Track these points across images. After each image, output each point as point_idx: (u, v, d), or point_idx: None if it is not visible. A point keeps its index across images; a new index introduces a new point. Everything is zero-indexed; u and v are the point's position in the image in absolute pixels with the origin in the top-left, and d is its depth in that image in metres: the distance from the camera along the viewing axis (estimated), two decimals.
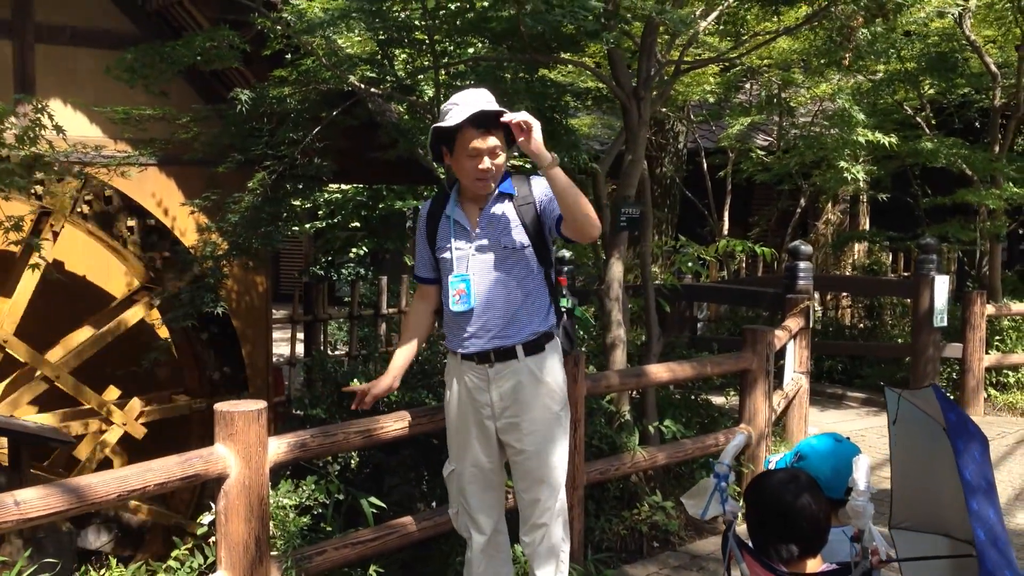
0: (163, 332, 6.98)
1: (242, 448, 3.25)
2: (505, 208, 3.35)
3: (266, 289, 7.80)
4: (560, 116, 4.43)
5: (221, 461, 3.23)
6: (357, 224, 9.53)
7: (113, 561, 3.87)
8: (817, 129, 9.49)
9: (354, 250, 10.24)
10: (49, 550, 5.32)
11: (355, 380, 4.31)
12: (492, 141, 3.25)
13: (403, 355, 3.61)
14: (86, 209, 6.09)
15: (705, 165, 12.28)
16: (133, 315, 6.52)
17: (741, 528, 2.74)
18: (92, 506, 2.96)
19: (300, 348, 8.76)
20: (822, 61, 8.27)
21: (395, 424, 3.82)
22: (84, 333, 6.46)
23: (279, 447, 3.42)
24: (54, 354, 6.23)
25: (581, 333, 5.88)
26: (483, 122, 3.22)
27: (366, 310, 8.92)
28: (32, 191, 5.61)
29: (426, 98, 5.40)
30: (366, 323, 8.94)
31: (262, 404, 3.33)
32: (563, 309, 3.56)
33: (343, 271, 10.55)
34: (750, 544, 2.60)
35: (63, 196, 5.93)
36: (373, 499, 4.11)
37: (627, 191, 5.21)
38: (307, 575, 3.55)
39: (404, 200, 9.70)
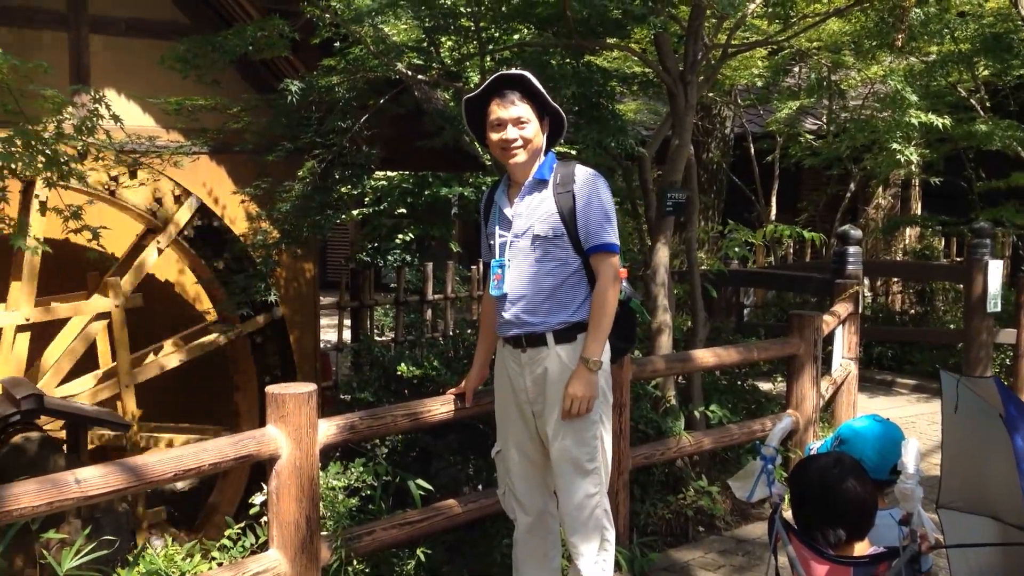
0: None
1: (293, 430, 3.32)
2: (541, 195, 3.35)
3: (314, 276, 7.91)
4: (607, 101, 4.43)
5: (273, 442, 3.30)
6: (403, 211, 9.59)
7: (169, 539, 3.96)
8: (868, 112, 9.32)
9: (400, 237, 10.30)
10: (106, 529, 5.46)
11: (402, 364, 4.36)
12: (515, 111, 3.29)
13: (484, 344, 3.70)
14: (191, 232, 6.25)
15: (752, 150, 12.14)
16: (210, 341, 6.63)
17: (788, 512, 2.74)
18: (149, 484, 3.05)
19: (347, 334, 8.85)
20: (873, 43, 8.12)
21: (441, 408, 3.86)
22: (163, 351, 6.65)
23: (328, 429, 3.48)
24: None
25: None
26: (505, 93, 3.27)
27: (412, 296, 8.98)
28: (105, 186, 5.79)
29: (472, 84, 5.42)
30: (412, 309, 9.01)
31: (312, 387, 3.40)
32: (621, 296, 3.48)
33: (389, 258, 10.64)
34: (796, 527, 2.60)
35: (175, 217, 6.13)
36: (420, 481, 4.16)
37: (673, 176, 5.20)
38: (356, 554, 3.62)
39: (450, 187, 9.74)
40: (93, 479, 2.88)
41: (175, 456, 3.10)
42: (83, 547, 3.71)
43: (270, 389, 3.36)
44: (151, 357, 6.61)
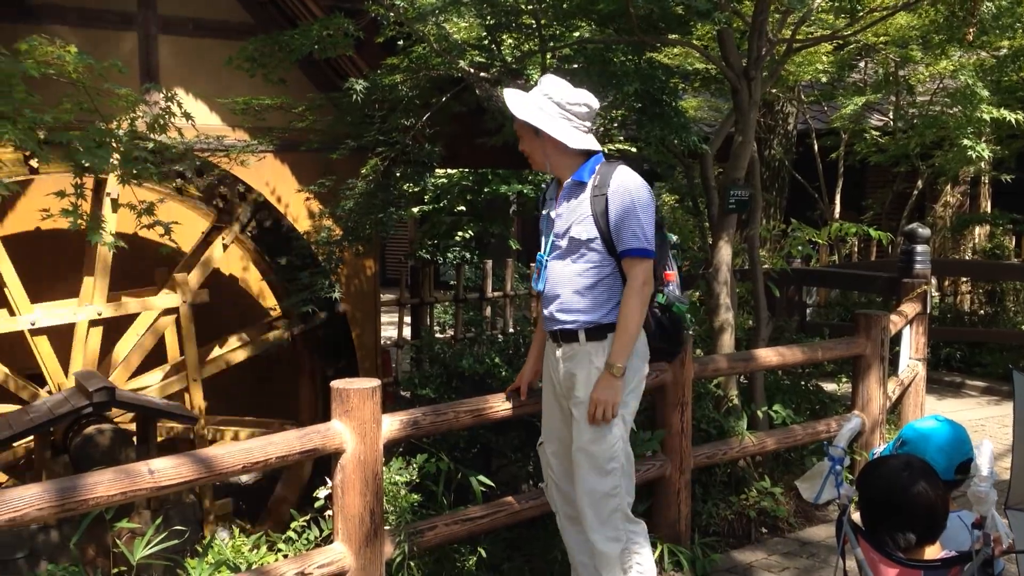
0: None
1: (357, 424, 3.36)
2: (578, 197, 3.37)
3: (375, 273, 7.98)
4: (669, 98, 4.40)
5: (338, 436, 3.34)
6: (462, 208, 9.64)
7: (236, 530, 4.04)
8: (937, 108, 9.11)
9: (459, 234, 10.36)
10: (175, 520, 5.58)
11: (463, 361, 4.38)
12: (517, 125, 3.44)
13: (537, 339, 3.76)
14: (254, 229, 6.36)
15: (816, 147, 11.95)
16: (274, 336, 6.72)
17: (856, 514, 2.69)
18: (218, 476, 3.11)
19: (407, 331, 8.92)
20: (942, 37, 7.93)
21: (502, 404, 3.88)
22: (228, 345, 6.76)
23: (392, 424, 3.52)
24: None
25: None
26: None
27: (471, 294, 9.02)
28: (175, 183, 5.93)
29: (533, 81, 5.42)
30: (471, 306, 9.05)
31: (376, 382, 3.43)
32: (661, 301, 3.47)
33: (448, 255, 10.70)
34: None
35: (240, 213, 6.25)
36: (482, 477, 4.18)
37: (736, 173, 5.14)
38: (419, 549, 3.64)
39: (509, 184, 9.75)
40: (165, 470, 2.94)
41: (244, 449, 3.16)
42: (153, 537, 3.80)
43: (335, 384, 3.40)
44: (216, 352, 6.73)
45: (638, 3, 4.08)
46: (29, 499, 2.66)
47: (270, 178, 7.27)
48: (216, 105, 6.94)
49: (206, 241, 6.49)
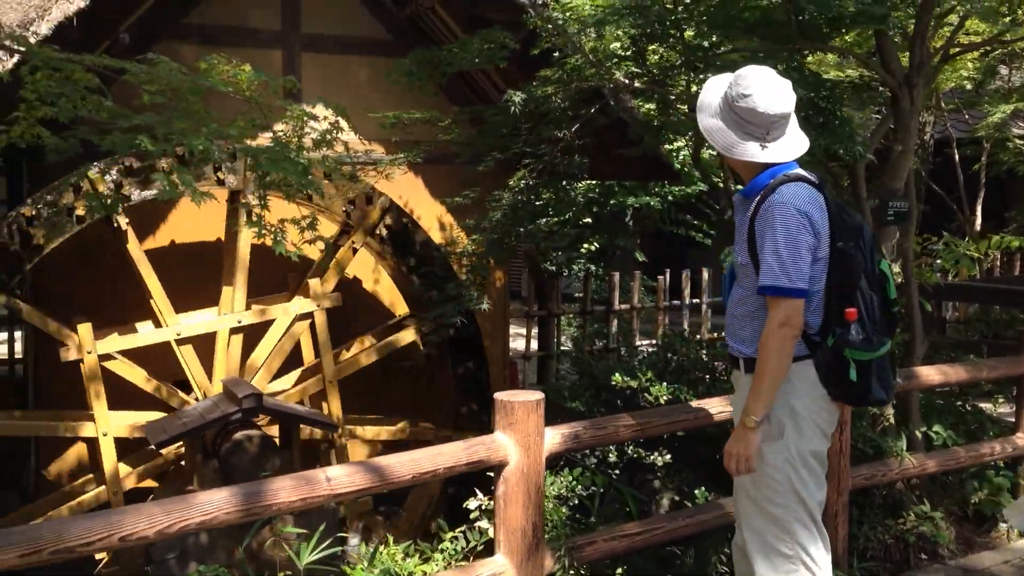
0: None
1: (521, 437, 3.34)
2: (744, 215, 3.11)
3: (504, 285, 8.00)
4: (834, 107, 4.26)
5: (502, 449, 3.33)
6: (587, 220, 9.60)
7: (391, 538, 4.07)
8: None
9: (585, 246, 10.32)
10: (316, 523, 5.67)
11: (616, 375, 4.32)
12: None
13: None
14: (383, 231, 6.45)
15: (956, 156, 11.47)
16: (402, 339, 6.75)
17: None
18: (390, 485, 3.14)
19: (534, 343, 8.93)
20: None
21: (662, 420, 3.82)
22: (356, 347, 6.86)
23: (554, 437, 3.49)
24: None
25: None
26: None
27: (598, 306, 8.97)
28: (306, 194, 6.04)
29: (679, 89, 5.36)
30: (597, 319, 9.00)
31: (539, 395, 3.41)
32: (829, 343, 3.03)
33: (573, 267, 10.67)
34: None
35: (367, 217, 6.36)
36: (635, 493, 4.12)
37: (895, 184, 4.95)
38: (578, 564, 3.60)
39: (637, 196, 9.68)
40: (341, 478, 2.99)
41: (414, 459, 3.18)
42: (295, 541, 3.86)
43: (499, 396, 3.40)
44: (346, 354, 6.80)
45: (802, 8, 3.96)
46: (218, 503, 2.73)
47: (404, 191, 7.37)
48: (355, 119, 7.07)
49: (335, 245, 6.59)
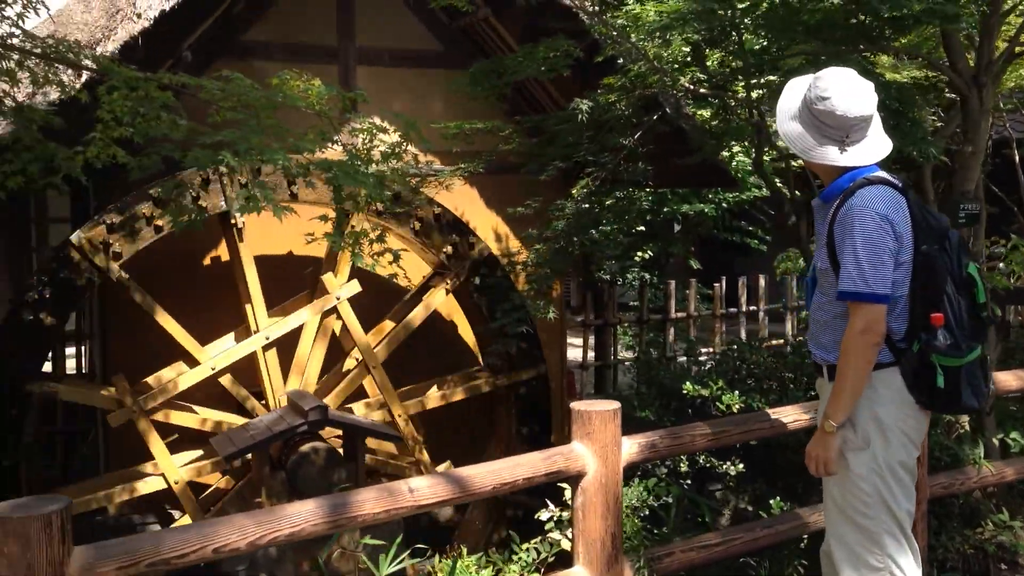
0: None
1: (599, 447, 3.32)
2: (823, 219, 3.05)
3: (560, 294, 7.99)
4: (906, 108, 4.19)
5: (580, 459, 3.31)
6: (641, 228, 9.54)
7: (464, 550, 4.07)
8: None
9: (638, 254, 10.26)
10: (380, 534, 5.69)
11: (687, 384, 4.29)
12: None
13: None
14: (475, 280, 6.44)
15: (1016, 157, 11.21)
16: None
17: None
18: (470, 496, 3.13)
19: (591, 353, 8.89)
20: None
21: (738, 429, 3.77)
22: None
23: (631, 447, 3.46)
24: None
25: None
26: None
27: (654, 315, 8.91)
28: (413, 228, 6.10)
29: (740, 95, 5.32)
30: (653, 327, 8.94)
31: (616, 404, 3.39)
32: (914, 349, 2.94)
33: (627, 275, 10.62)
34: None
35: (466, 265, 6.37)
36: (709, 503, 4.07)
37: (966, 186, 4.86)
38: (658, 575, 3.57)
39: (690, 203, 9.61)
40: (423, 489, 2.98)
41: (493, 470, 3.17)
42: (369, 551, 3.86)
43: (576, 405, 3.38)
44: (418, 397, 6.75)
45: (873, 7, 3.90)
46: (305, 515, 2.74)
47: (459, 202, 7.40)
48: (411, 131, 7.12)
49: (426, 286, 6.63)
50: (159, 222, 5.54)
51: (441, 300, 6.67)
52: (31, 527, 2.25)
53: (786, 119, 3.03)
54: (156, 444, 5.83)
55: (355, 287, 6.44)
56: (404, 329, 6.59)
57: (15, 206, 7.01)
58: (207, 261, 6.93)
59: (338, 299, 6.35)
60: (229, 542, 2.58)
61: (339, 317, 6.43)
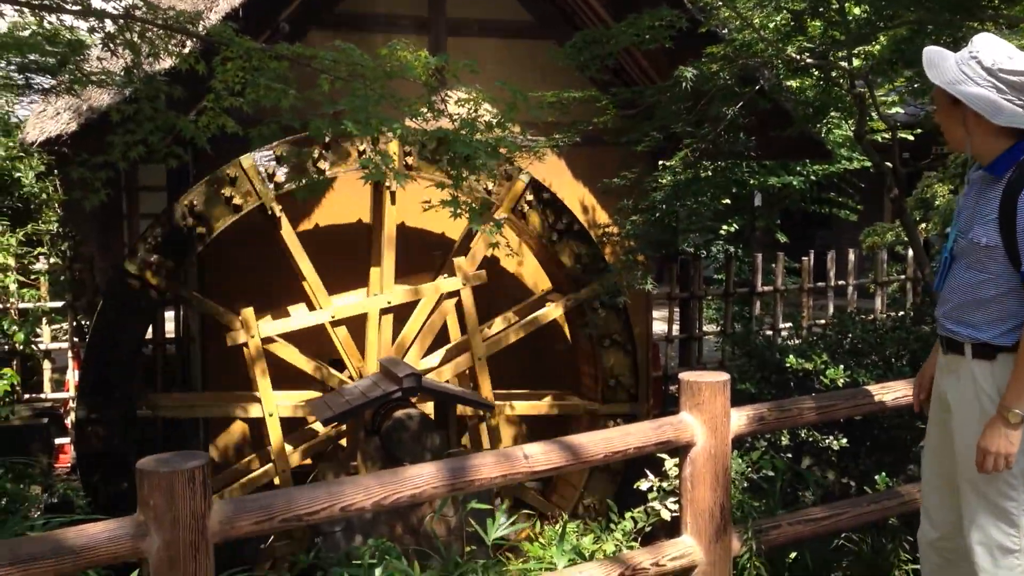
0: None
1: (708, 418, 3.32)
2: (990, 193, 2.89)
3: (645, 267, 7.94)
4: None
5: (689, 429, 3.32)
6: (727, 201, 9.41)
7: (564, 516, 4.11)
8: None
9: (724, 228, 10.14)
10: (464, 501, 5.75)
11: (791, 357, 4.24)
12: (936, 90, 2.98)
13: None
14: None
15: None
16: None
17: None
18: (583, 463, 3.16)
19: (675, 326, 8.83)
20: None
21: (846, 403, 3.73)
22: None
23: (740, 419, 3.45)
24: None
25: None
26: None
27: (740, 288, 8.81)
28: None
29: (843, 65, 5.20)
30: (739, 301, 8.84)
31: (725, 376, 3.38)
32: None
33: (712, 248, 10.51)
34: None
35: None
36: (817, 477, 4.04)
37: None
38: (765, 547, 3.56)
39: (778, 176, 9.44)
40: (538, 456, 3.02)
41: (606, 438, 3.20)
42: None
43: (685, 376, 3.38)
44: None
45: None
46: (427, 477, 2.80)
47: (546, 174, 7.38)
48: (503, 102, 7.12)
49: (543, 299, 6.69)
50: (322, 164, 5.76)
51: (554, 317, 6.78)
52: (176, 481, 2.34)
53: (968, 86, 2.83)
54: (261, 373, 6.00)
55: (482, 276, 6.56)
56: (513, 334, 6.74)
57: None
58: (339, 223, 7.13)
59: (464, 283, 6.45)
60: (355, 501, 2.65)
61: (459, 301, 6.56)
